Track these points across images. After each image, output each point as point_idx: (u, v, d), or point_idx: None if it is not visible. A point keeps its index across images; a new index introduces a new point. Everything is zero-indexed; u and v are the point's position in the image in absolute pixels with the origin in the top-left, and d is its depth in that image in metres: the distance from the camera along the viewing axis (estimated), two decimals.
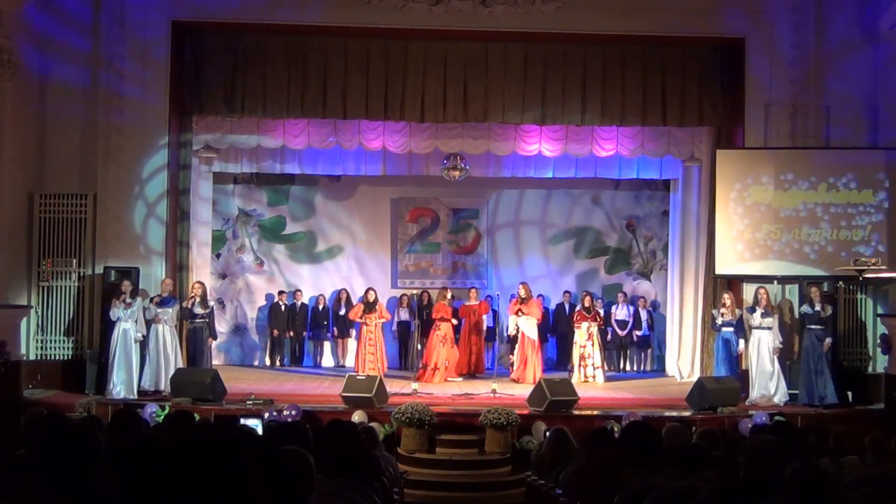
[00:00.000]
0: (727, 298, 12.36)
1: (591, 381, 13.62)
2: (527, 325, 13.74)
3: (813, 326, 11.90)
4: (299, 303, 15.59)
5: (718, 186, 12.90)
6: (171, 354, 11.94)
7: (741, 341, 12.23)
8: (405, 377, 13.62)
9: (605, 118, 13.32)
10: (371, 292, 14.21)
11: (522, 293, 13.94)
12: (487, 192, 16.41)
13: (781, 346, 12.03)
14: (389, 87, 13.02)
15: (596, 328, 14.05)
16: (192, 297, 12.39)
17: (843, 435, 7.65)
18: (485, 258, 16.48)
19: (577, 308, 14.50)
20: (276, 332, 15.61)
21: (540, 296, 15.06)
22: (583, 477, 5.36)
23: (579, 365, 13.85)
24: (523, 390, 11.86)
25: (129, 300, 11.58)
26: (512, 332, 14.03)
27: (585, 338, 13.90)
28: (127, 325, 11.59)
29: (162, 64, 12.73)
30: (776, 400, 11.77)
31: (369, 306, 14.07)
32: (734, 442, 4.72)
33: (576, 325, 14.12)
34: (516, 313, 13.84)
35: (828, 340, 11.82)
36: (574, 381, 13.49)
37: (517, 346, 13.95)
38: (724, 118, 13.35)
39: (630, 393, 12.89)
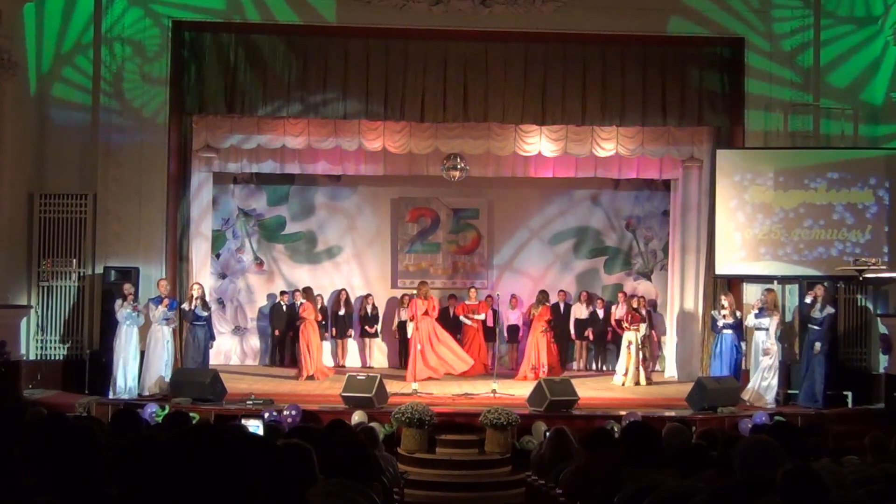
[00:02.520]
0: (725, 299, 12.39)
1: (639, 383, 13.50)
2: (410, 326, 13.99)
3: (812, 326, 11.90)
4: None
5: (718, 186, 12.91)
6: (171, 355, 11.94)
7: (742, 343, 12.27)
8: (404, 377, 13.61)
9: (605, 118, 13.31)
10: (298, 293, 13.83)
11: (419, 293, 14.04)
12: (487, 192, 16.40)
13: (772, 346, 11.98)
14: (389, 87, 13.02)
15: (645, 329, 13.87)
16: (196, 298, 12.38)
17: (843, 435, 7.67)
18: (485, 258, 16.48)
19: (626, 309, 14.33)
20: (277, 332, 15.61)
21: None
22: (583, 477, 5.36)
23: (626, 368, 13.73)
24: (523, 390, 11.85)
25: (135, 302, 11.62)
26: (410, 334, 14.06)
27: (634, 339, 13.75)
28: (131, 326, 11.60)
29: (162, 64, 12.74)
30: (768, 400, 11.76)
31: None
32: (730, 442, 4.72)
33: (628, 326, 13.96)
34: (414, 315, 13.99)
35: (817, 345, 11.80)
36: (621, 384, 13.52)
37: (410, 344, 14.08)
38: (724, 118, 13.35)
39: (630, 393, 12.89)
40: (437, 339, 13.93)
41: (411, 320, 14.09)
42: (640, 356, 13.74)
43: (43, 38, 12.66)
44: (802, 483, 3.43)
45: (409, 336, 14.14)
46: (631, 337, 13.83)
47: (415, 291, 14.36)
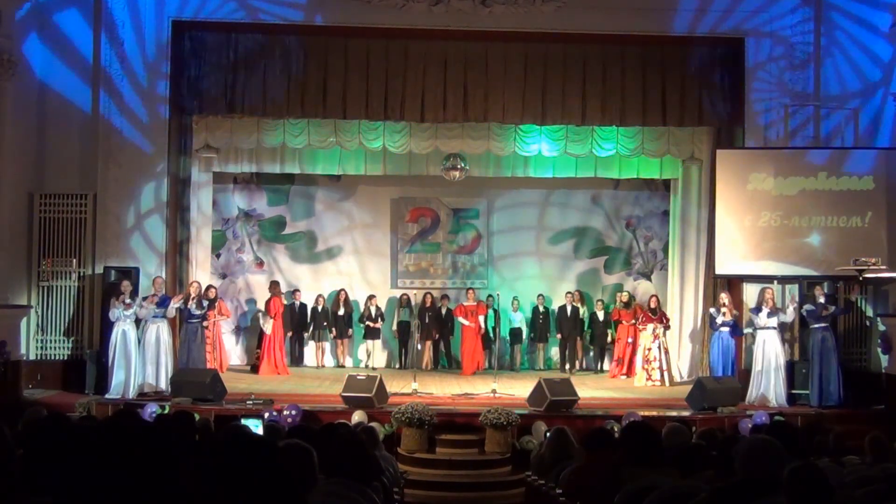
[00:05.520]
0: (725, 298, 12.41)
1: (656, 384, 13.44)
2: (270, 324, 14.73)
3: (817, 326, 11.91)
4: (297, 302, 15.55)
5: (718, 186, 12.90)
6: (167, 353, 11.92)
7: (734, 340, 12.30)
8: (405, 377, 13.60)
9: (605, 118, 13.31)
10: (211, 290, 13.64)
11: (275, 292, 14.88)
12: (487, 192, 16.41)
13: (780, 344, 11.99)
14: (389, 87, 13.02)
15: (662, 329, 13.81)
16: (192, 297, 12.41)
17: (843, 435, 7.64)
18: (485, 258, 16.48)
19: (643, 310, 14.28)
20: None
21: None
22: (583, 477, 5.35)
23: (643, 367, 13.71)
24: (523, 390, 11.83)
25: (128, 300, 11.57)
26: (269, 330, 14.63)
27: (651, 339, 13.72)
28: (125, 325, 11.58)
29: (162, 64, 12.75)
30: (777, 400, 11.75)
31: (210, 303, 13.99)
32: (730, 442, 4.72)
33: (641, 326, 13.98)
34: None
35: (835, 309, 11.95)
36: (637, 383, 13.53)
37: (264, 340, 14.72)
38: (724, 118, 13.34)
39: (630, 393, 12.89)
40: (280, 342, 14.78)
41: (273, 318, 14.70)
42: (661, 357, 13.64)
43: (43, 37, 12.66)
44: (808, 482, 3.42)
45: (268, 332, 14.67)
46: (641, 338, 13.86)
47: (270, 291, 15.05)
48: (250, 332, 16.07)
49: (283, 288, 15.81)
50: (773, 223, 12.69)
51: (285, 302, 15.35)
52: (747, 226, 12.76)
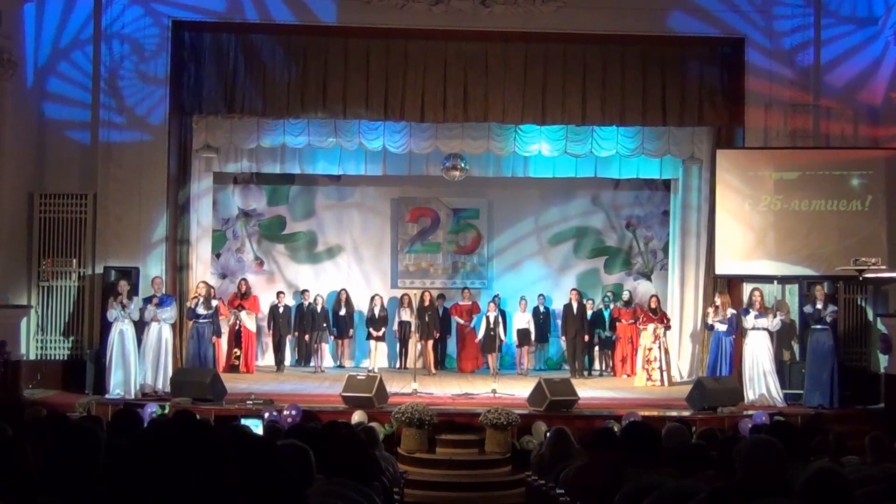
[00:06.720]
0: (718, 300, 12.42)
1: (656, 384, 13.43)
2: (246, 319, 14.92)
3: (816, 326, 11.90)
4: (307, 303, 15.39)
5: (718, 186, 12.90)
6: (168, 353, 11.91)
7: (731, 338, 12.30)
8: (405, 377, 13.59)
9: (605, 118, 13.31)
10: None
11: (243, 288, 15.14)
12: (487, 192, 16.40)
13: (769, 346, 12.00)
14: (389, 87, 13.02)
15: (663, 329, 13.79)
16: (196, 297, 12.44)
17: (843, 435, 7.65)
18: (485, 258, 16.47)
19: (643, 310, 14.27)
20: (272, 335, 15.29)
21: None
22: (583, 477, 5.35)
23: (643, 367, 13.70)
24: (523, 390, 11.83)
25: (125, 301, 11.55)
26: (253, 328, 15.06)
27: (651, 339, 13.70)
28: (123, 325, 11.56)
29: (162, 64, 12.75)
30: (772, 401, 11.74)
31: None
32: (730, 442, 4.72)
33: (641, 326, 13.97)
34: (237, 307, 14.89)
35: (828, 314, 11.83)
36: (637, 383, 13.55)
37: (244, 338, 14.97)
38: (724, 118, 13.34)
39: (630, 393, 12.90)
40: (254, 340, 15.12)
41: (257, 315, 15.18)
42: (661, 357, 13.63)
43: (42, 37, 12.66)
44: (831, 488, 3.37)
45: (252, 330, 14.95)
46: (642, 338, 13.87)
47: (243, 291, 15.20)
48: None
49: (284, 288, 15.82)
50: (774, 207, 12.67)
51: (292, 302, 15.36)
52: (747, 210, 12.71)
